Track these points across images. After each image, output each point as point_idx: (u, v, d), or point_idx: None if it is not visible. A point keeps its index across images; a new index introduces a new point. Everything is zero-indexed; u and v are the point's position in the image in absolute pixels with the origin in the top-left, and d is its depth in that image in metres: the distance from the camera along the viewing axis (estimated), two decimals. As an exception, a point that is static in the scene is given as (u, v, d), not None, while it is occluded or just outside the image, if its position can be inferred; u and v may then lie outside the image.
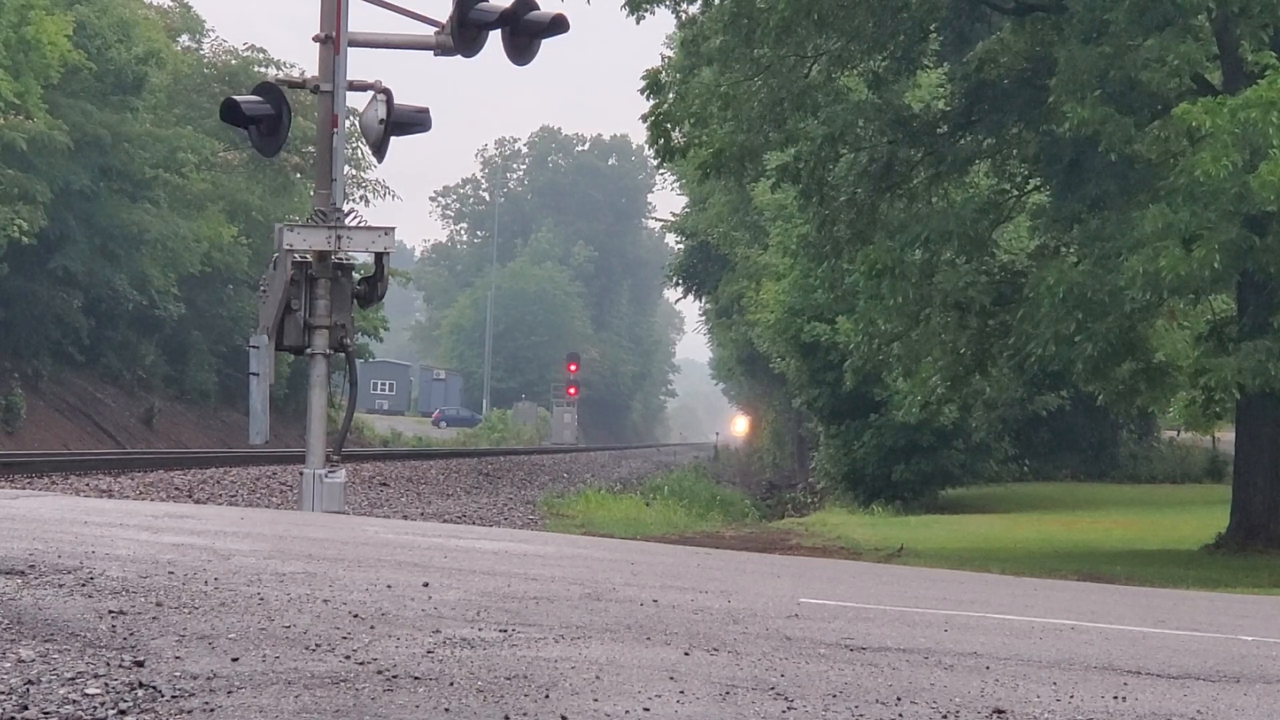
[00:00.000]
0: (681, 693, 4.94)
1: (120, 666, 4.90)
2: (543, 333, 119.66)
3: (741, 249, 51.85)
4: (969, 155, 23.43)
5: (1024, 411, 35.62)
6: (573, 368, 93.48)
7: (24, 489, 19.73)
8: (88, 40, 44.66)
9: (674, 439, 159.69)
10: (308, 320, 14.91)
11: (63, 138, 42.27)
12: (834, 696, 5.09)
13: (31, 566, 6.88)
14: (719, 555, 13.11)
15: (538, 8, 15.52)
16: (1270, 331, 18.46)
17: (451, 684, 4.85)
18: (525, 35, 15.58)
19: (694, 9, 25.79)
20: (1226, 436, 29.95)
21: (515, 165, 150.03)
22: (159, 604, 6.07)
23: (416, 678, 4.91)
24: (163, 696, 4.52)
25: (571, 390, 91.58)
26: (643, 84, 23.29)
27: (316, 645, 5.39)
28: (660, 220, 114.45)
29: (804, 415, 46.96)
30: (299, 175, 56.78)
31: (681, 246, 67.40)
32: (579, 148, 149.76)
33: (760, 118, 21.98)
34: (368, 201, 63.05)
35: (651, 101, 23.22)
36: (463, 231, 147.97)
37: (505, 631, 5.98)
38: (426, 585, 7.19)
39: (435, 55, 15.68)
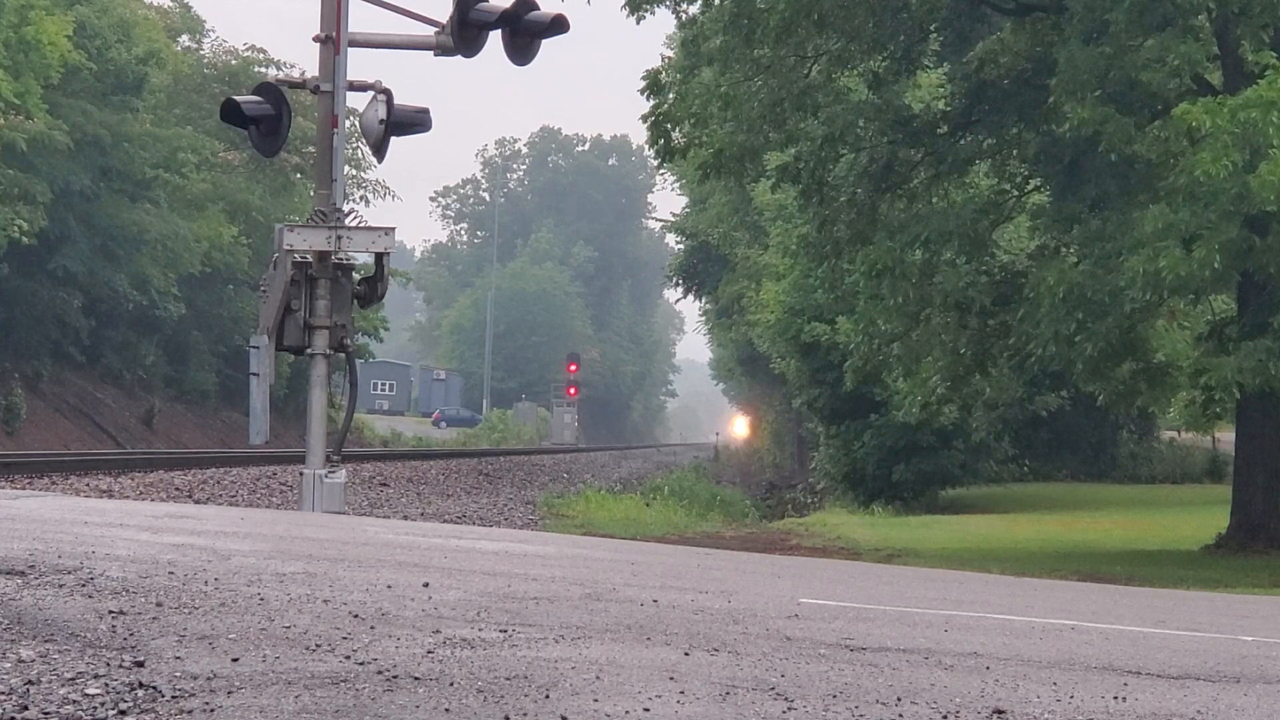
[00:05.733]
0: (681, 693, 4.94)
1: (120, 667, 4.90)
2: (543, 333, 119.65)
3: (741, 249, 51.84)
4: (969, 155, 23.42)
5: (1024, 411, 35.61)
6: (573, 368, 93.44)
7: (24, 489, 19.73)
8: (88, 40, 44.66)
9: (674, 439, 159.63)
10: (308, 320, 14.90)
11: (63, 138, 42.27)
12: (834, 696, 5.09)
13: (31, 566, 6.88)
14: (719, 555, 13.11)
15: (538, 8, 15.52)
16: (1270, 331, 18.46)
17: (451, 684, 4.85)
18: (525, 35, 15.58)
19: (694, 9, 25.83)
20: (1226, 436, 29.95)
21: (515, 165, 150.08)
22: (159, 604, 6.07)
23: (416, 678, 4.91)
24: (163, 696, 4.52)
25: (571, 390, 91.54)
26: (643, 84, 23.29)
27: (316, 645, 5.39)
28: (660, 220, 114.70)
29: (804, 415, 46.95)
30: (299, 175, 56.79)
31: (681, 246, 67.40)
32: (579, 148, 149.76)
33: (760, 118, 21.98)
34: (368, 201, 63.16)
35: (651, 102, 23.22)
36: (463, 232, 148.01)
37: (505, 632, 5.98)
38: (426, 585, 7.19)
39: (435, 55, 15.67)
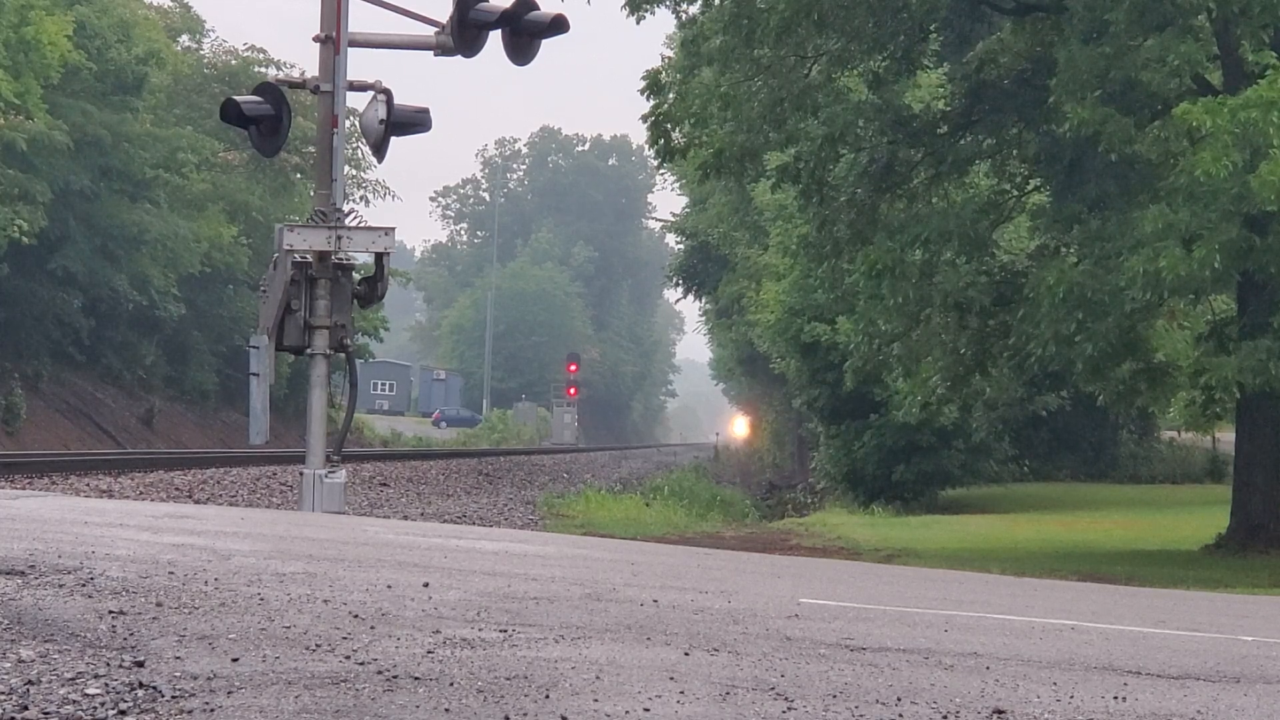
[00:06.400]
0: (681, 693, 4.94)
1: (120, 667, 4.90)
2: (543, 333, 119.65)
3: (741, 249, 51.83)
4: (969, 155, 23.42)
5: (1024, 411, 35.58)
6: (573, 368, 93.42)
7: (24, 489, 19.73)
8: (88, 40, 44.67)
9: (674, 439, 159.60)
10: (308, 320, 14.89)
11: (63, 138, 42.27)
12: (834, 696, 5.09)
13: (31, 566, 6.88)
14: (719, 555, 13.11)
15: (538, 8, 15.52)
16: (1270, 331, 18.47)
17: (451, 684, 4.85)
18: (525, 35, 15.57)
19: (694, 9, 25.85)
20: (1226, 436, 29.95)
21: (515, 165, 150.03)
22: (159, 604, 6.07)
23: (416, 678, 4.91)
24: (163, 696, 4.52)
25: (571, 390, 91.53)
26: (643, 84, 23.30)
27: (316, 645, 5.39)
28: (660, 220, 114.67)
29: (804, 415, 46.95)
30: (299, 175, 56.78)
31: (681, 246, 67.38)
32: (579, 148, 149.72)
33: (760, 118, 21.98)
34: (368, 201, 63.14)
35: (651, 102, 23.23)
36: (463, 231, 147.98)
37: (505, 632, 5.98)
38: (426, 585, 7.19)
39: (435, 55, 15.67)
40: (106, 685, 4.63)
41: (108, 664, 4.94)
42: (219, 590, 6.53)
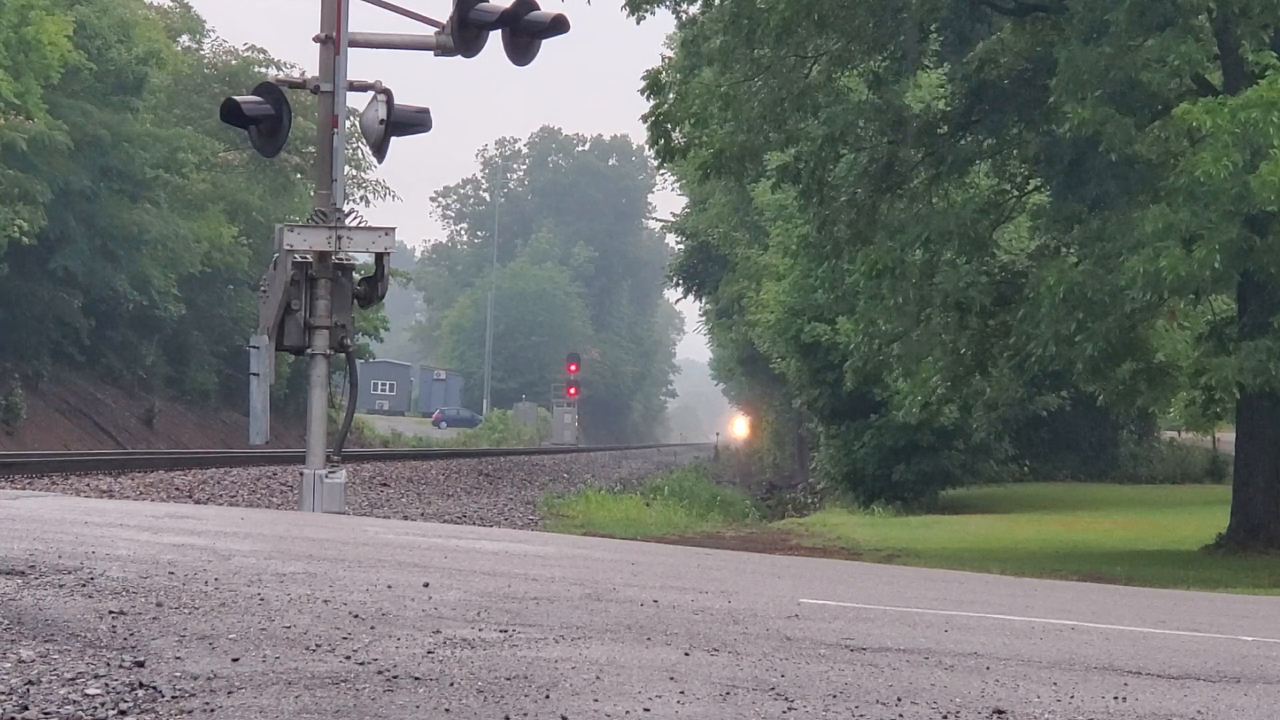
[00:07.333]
0: (682, 693, 4.94)
1: (120, 667, 4.90)
2: (543, 333, 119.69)
3: (741, 249, 51.84)
4: (969, 155, 23.43)
5: (1024, 412, 35.61)
6: (573, 368, 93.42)
7: (24, 489, 19.73)
8: (88, 40, 44.67)
9: (674, 439, 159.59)
10: (308, 320, 14.89)
11: (63, 138, 42.26)
12: (834, 697, 5.08)
13: (31, 566, 6.88)
14: (719, 555, 13.11)
15: (538, 8, 15.52)
16: (1270, 331, 18.47)
17: (452, 684, 4.85)
18: (525, 35, 15.57)
19: (694, 9, 25.88)
20: (1226, 436, 29.97)
21: (515, 165, 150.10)
22: (159, 604, 6.07)
23: (417, 678, 4.91)
24: (163, 697, 4.52)
25: (572, 390, 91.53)
26: (643, 84, 23.30)
27: (317, 645, 5.38)
28: (660, 220, 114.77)
29: (804, 415, 46.96)
30: (299, 175, 56.76)
31: (681, 247, 67.41)
32: (579, 148, 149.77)
33: (760, 118, 21.99)
34: (368, 202, 63.10)
35: (652, 102, 23.24)
36: (463, 232, 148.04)
37: (505, 632, 5.97)
38: (427, 585, 7.19)
39: (435, 55, 15.67)
40: (106, 685, 4.63)
41: (108, 664, 4.94)
42: (219, 590, 6.53)
